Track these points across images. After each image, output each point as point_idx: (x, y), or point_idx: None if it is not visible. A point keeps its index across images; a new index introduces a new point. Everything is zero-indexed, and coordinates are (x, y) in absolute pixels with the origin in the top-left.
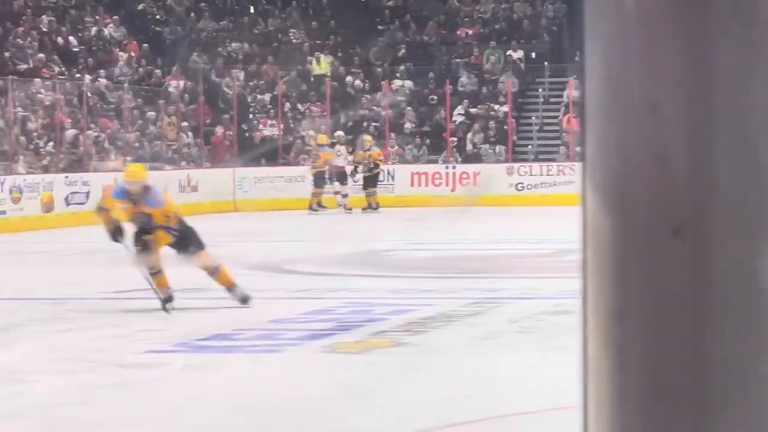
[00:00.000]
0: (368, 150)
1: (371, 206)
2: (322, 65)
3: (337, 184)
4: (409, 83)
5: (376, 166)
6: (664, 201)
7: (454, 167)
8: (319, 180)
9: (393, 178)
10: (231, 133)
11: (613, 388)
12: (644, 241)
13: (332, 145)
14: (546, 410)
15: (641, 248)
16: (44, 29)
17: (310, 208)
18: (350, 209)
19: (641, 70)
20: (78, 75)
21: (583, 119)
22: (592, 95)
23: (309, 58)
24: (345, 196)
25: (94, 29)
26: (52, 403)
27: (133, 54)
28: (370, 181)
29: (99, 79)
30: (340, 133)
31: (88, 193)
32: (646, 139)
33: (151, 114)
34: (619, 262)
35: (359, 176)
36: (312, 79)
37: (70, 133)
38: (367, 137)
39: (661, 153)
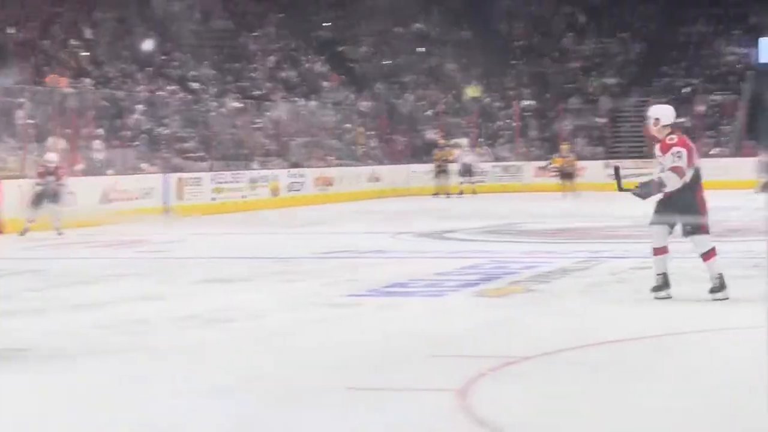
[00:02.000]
0: (566, 156)
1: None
2: (473, 91)
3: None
4: (532, 103)
5: (571, 166)
6: None
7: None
8: (463, 171)
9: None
10: (404, 139)
11: None
12: None
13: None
14: (641, 338)
15: None
16: (270, 66)
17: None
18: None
19: None
20: (294, 99)
21: None
22: None
23: (461, 86)
24: (472, 184)
25: (307, 65)
26: (284, 332)
27: (334, 83)
28: (568, 177)
29: (310, 102)
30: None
31: (303, 182)
32: None
33: (347, 126)
34: None
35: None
36: (464, 101)
37: (292, 143)
38: (563, 146)
39: None
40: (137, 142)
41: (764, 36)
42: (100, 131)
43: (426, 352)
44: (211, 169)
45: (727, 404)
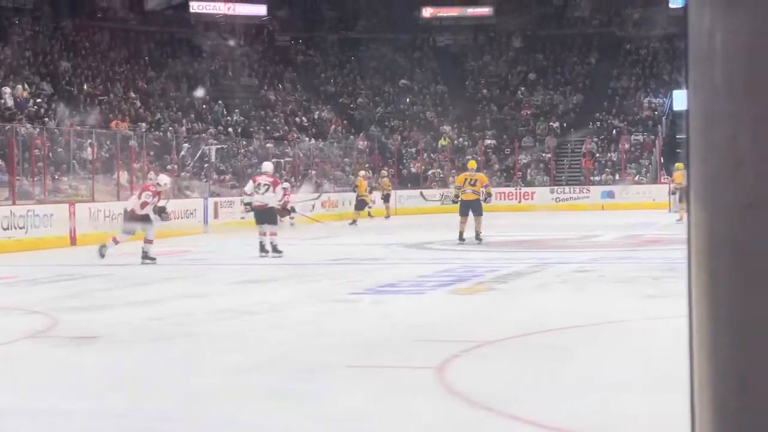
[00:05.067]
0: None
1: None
2: (445, 140)
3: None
4: (493, 141)
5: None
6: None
7: (520, 188)
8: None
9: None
10: (393, 170)
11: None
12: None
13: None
14: (581, 326)
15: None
16: (287, 113)
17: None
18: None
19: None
20: (306, 139)
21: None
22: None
23: (440, 129)
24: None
25: (317, 113)
26: (301, 321)
27: (337, 127)
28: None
29: (319, 142)
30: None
31: (313, 204)
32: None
33: (346, 160)
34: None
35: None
36: (439, 146)
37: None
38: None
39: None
40: (184, 173)
41: (676, 89)
42: (155, 165)
43: (411, 337)
44: (241, 194)
45: (651, 375)
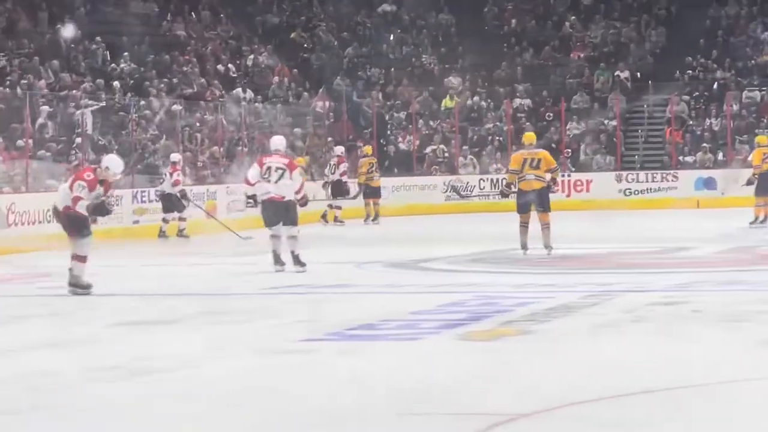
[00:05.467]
0: None
1: None
2: (451, 100)
3: None
4: (527, 101)
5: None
6: None
7: (569, 176)
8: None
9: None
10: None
11: None
12: None
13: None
14: (665, 390)
15: None
16: (206, 58)
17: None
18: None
19: None
20: (236, 98)
21: None
22: None
23: (444, 82)
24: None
25: (251, 58)
26: (218, 385)
27: (283, 79)
28: None
29: (257, 103)
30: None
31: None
32: None
33: (297, 130)
34: None
35: None
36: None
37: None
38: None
39: None
40: (43, 150)
41: None
42: None
43: (396, 410)
44: (132, 186)
45: None
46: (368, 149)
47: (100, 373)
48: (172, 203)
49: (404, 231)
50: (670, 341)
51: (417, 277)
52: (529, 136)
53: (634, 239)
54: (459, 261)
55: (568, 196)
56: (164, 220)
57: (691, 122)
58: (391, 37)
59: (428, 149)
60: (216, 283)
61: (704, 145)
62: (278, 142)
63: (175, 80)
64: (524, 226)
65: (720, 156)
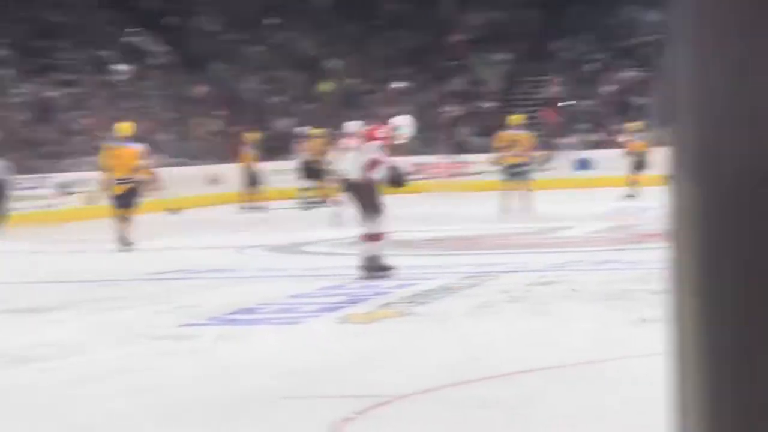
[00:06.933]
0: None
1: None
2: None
3: None
4: (407, 85)
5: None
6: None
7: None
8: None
9: None
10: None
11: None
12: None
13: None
14: (542, 369)
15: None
16: (77, 40)
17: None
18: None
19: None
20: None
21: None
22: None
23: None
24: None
25: (126, 40)
26: (101, 372)
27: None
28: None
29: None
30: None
31: None
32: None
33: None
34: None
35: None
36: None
37: None
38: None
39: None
40: None
41: None
42: None
43: (278, 393)
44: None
45: None
46: (251, 136)
47: None
48: None
49: (284, 216)
50: (550, 320)
51: (297, 260)
52: (516, 118)
53: (510, 219)
54: (339, 245)
55: (447, 177)
56: None
57: (568, 102)
58: (265, 22)
59: (295, 129)
60: (97, 268)
61: (581, 125)
62: (353, 126)
63: (46, 61)
64: (507, 194)
65: (597, 136)
